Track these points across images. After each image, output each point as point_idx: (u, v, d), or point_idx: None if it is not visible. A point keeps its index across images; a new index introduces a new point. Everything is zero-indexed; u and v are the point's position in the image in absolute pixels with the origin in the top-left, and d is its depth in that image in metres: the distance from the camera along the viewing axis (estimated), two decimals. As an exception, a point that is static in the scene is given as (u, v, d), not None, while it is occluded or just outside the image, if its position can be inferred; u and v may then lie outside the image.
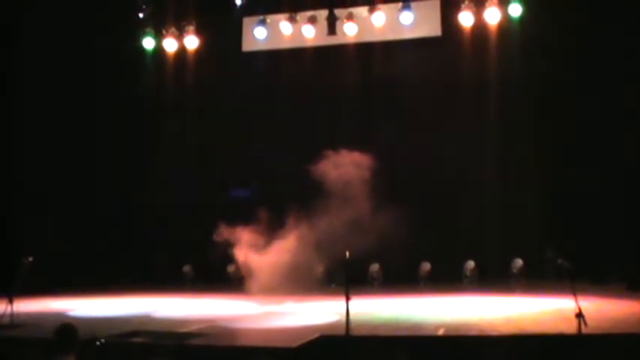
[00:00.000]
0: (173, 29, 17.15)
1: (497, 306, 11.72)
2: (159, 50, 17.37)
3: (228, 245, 14.62)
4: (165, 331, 9.73)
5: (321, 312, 11.49)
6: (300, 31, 16.51)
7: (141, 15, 17.02)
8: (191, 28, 17.06)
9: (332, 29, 16.41)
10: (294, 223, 14.36)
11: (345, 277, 9.05)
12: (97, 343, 7.01)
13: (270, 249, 14.47)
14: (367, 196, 13.71)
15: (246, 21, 17.07)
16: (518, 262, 15.05)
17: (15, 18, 15.63)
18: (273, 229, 14.47)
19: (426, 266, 15.59)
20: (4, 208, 15.45)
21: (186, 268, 16.85)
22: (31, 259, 10.39)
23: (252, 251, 14.60)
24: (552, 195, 15.07)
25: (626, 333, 8.70)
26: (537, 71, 15.22)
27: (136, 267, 16.19)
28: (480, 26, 15.67)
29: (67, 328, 6.16)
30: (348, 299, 8.63)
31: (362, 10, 16.26)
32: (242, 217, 14.54)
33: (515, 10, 15.28)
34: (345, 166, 14.08)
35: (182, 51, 17.35)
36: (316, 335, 8.87)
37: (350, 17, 16.22)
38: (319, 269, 15.57)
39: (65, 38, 15.75)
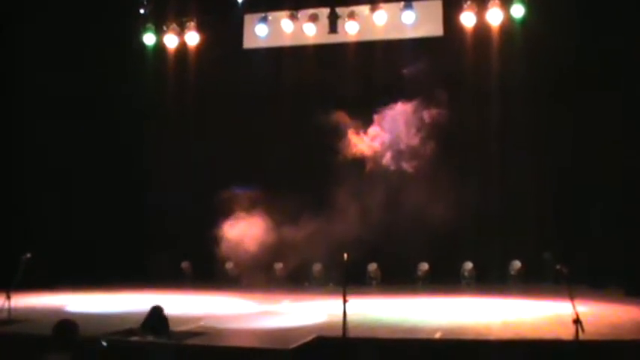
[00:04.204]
0: (174, 25, 17.07)
1: (494, 309, 11.70)
2: (159, 46, 17.29)
3: (227, 241, 14.70)
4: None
5: (317, 312, 11.47)
6: (302, 29, 16.43)
7: (142, 10, 16.95)
8: (192, 24, 16.98)
9: (333, 27, 16.37)
10: (292, 218, 14.46)
11: (343, 278, 9.03)
12: (103, 344, 6.86)
13: (267, 243, 14.60)
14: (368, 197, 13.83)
15: (248, 18, 17.00)
16: (517, 264, 15.06)
17: (13, 14, 15.55)
18: (271, 224, 14.60)
19: (424, 266, 15.59)
20: (3, 204, 15.42)
21: (185, 265, 16.84)
22: (29, 255, 10.36)
23: (250, 245, 14.71)
24: (551, 198, 15.07)
25: (623, 339, 8.70)
26: (539, 73, 15.18)
27: (134, 263, 16.14)
28: (482, 27, 15.61)
29: (65, 325, 5.91)
30: (345, 301, 8.61)
31: (363, 9, 16.19)
32: (241, 212, 14.68)
33: (518, 12, 15.21)
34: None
35: (183, 47, 17.28)
36: (312, 337, 8.86)
37: (351, 16, 16.15)
38: (317, 267, 15.68)
39: (64, 33, 15.67)
